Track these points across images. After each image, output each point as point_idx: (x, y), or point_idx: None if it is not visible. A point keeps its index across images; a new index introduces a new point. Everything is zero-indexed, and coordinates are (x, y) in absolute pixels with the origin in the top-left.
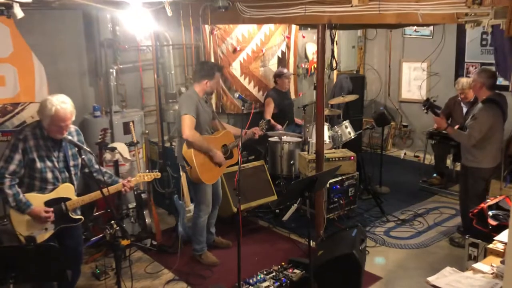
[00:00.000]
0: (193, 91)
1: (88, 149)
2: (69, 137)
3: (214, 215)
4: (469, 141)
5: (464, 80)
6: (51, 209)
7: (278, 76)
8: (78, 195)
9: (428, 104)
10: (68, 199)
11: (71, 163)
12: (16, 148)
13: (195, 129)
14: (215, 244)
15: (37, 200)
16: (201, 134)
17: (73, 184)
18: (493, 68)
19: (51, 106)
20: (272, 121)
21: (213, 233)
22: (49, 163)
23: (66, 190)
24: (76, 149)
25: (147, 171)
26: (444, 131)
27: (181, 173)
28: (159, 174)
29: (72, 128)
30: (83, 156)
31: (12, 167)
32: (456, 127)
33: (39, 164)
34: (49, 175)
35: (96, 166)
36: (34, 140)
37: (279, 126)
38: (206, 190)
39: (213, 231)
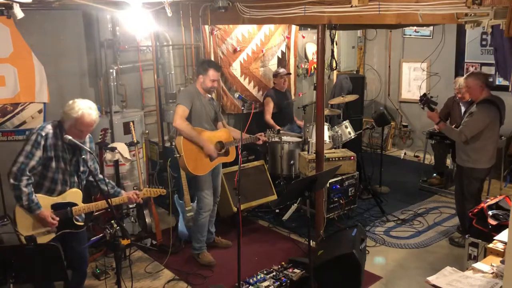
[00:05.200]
0: (193, 86)
1: (92, 154)
2: (69, 137)
3: (213, 213)
4: (460, 138)
5: (461, 80)
6: (57, 218)
7: (274, 76)
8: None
9: (425, 100)
10: (75, 204)
11: (81, 169)
12: (38, 144)
13: (188, 120)
14: (215, 244)
15: (44, 202)
16: (195, 127)
17: (81, 190)
18: (493, 69)
19: (78, 109)
20: (272, 121)
21: (213, 233)
22: (62, 165)
23: (74, 195)
24: (88, 156)
25: (135, 172)
26: (436, 126)
27: (181, 172)
28: (164, 191)
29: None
30: (89, 164)
31: (32, 163)
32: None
33: (54, 164)
34: (60, 176)
35: (100, 176)
36: (54, 139)
37: (277, 128)
38: (203, 185)
39: (213, 230)
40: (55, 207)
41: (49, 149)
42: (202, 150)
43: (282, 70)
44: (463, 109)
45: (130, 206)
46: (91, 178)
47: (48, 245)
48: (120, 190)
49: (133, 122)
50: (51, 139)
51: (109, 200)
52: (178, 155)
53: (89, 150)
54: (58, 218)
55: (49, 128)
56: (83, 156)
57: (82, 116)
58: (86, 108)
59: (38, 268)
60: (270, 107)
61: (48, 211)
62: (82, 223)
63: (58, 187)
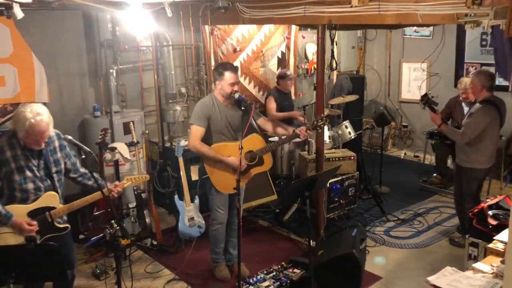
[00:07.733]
0: (210, 97)
1: (87, 148)
2: (69, 137)
3: (233, 232)
4: (463, 139)
5: (467, 80)
6: (35, 222)
7: (281, 77)
8: (77, 198)
9: (426, 99)
10: (53, 208)
11: (53, 169)
12: None
13: (207, 136)
14: (232, 269)
15: (19, 211)
16: (217, 141)
17: (57, 191)
18: (493, 69)
19: (25, 120)
20: (279, 114)
21: (232, 255)
22: (28, 173)
23: (50, 198)
24: (59, 154)
25: (135, 173)
26: (438, 129)
27: (181, 172)
28: (147, 176)
29: (53, 132)
30: (65, 161)
31: None
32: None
33: (17, 176)
34: (30, 186)
35: (82, 170)
36: (11, 151)
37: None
38: (214, 201)
39: (234, 252)
40: (32, 214)
41: (7, 162)
42: (227, 166)
43: (289, 72)
44: (465, 109)
45: (130, 206)
46: (72, 175)
47: (48, 245)
48: (103, 183)
49: (133, 122)
50: (9, 152)
51: (91, 196)
52: (205, 176)
53: (89, 150)
54: (35, 223)
55: (2, 141)
56: (54, 157)
57: (31, 126)
58: (33, 116)
59: (38, 268)
60: (273, 104)
61: (23, 218)
62: (65, 225)
63: (31, 195)
